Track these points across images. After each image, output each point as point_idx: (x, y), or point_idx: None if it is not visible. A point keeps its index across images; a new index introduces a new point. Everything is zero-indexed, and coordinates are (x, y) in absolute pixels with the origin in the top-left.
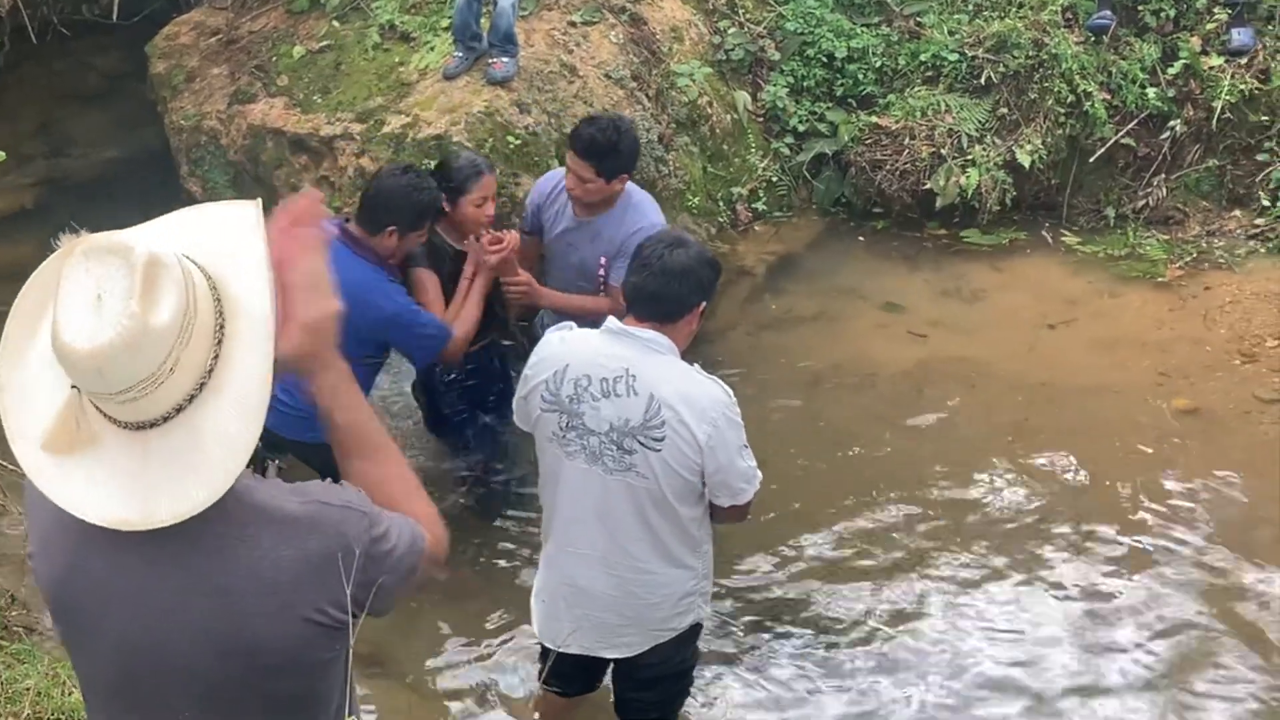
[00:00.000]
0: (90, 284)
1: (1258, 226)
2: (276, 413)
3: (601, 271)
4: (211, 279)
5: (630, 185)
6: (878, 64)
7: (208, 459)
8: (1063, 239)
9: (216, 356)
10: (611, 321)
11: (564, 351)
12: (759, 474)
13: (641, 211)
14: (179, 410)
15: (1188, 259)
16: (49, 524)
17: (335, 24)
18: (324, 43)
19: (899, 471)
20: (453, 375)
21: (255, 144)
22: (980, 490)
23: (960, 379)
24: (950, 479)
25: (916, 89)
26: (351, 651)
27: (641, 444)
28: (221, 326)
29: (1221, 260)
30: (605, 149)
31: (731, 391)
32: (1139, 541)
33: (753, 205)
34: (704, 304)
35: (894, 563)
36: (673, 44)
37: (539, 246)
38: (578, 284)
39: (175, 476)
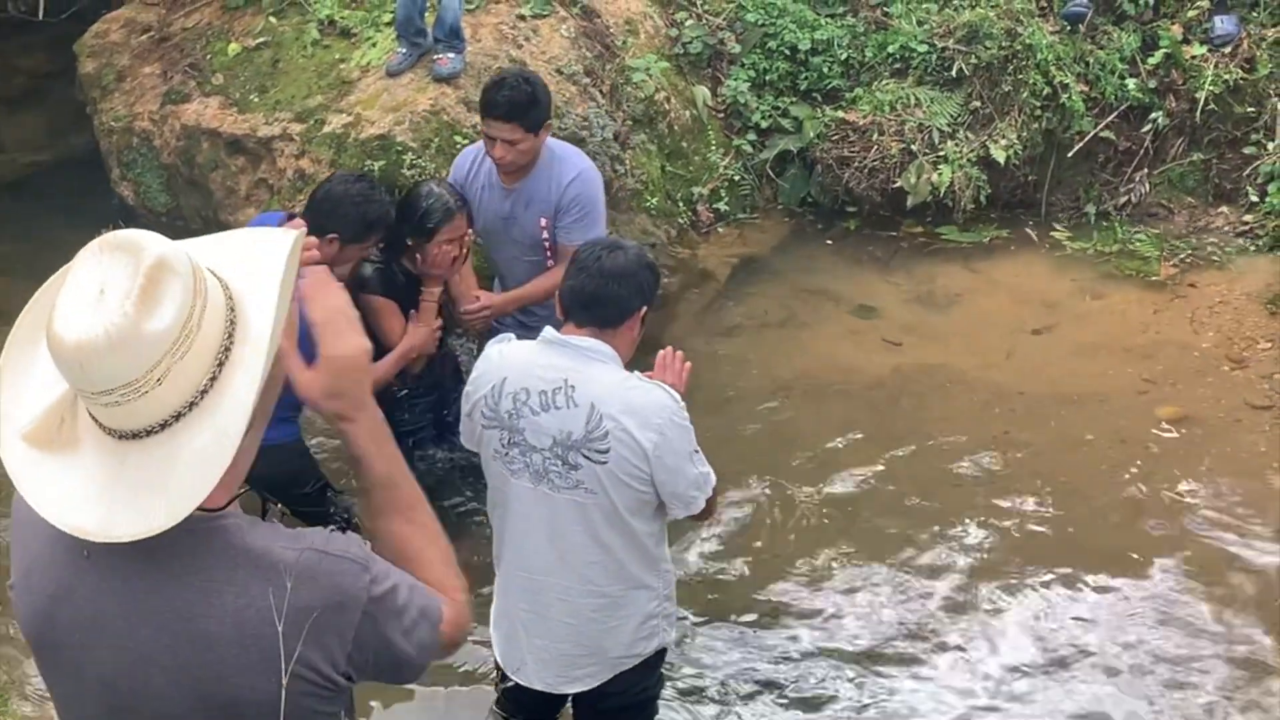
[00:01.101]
0: (97, 277)
1: (1246, 223)
2: None
3: (545, 235)
4: (232, 299)
5: (549, 139)
6: (843, 56)
7: (178, 482)
8: (1052, 235)
9: (214, 378)
10: (549, 331)
11: (501, 365)
12: (712, 478)
13: (568, 161)
14: (164, 426)
15: (1181, 255)
16: (38, 549)
17: (272, 19)
18: (260, 39)
19: (873, 489)
20: (405, 390)
21: (190, 145)
22: (960, 508)
23: (937, 389)
24: (928, 496)
25: (884, 82)
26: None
27: (586, 457)
28: (228, 349)
29: (1214, 258)
30: (526, 103)
31: (678, 396)
32: (1126, 559)
33: (714, 206)
34: (645, 309)
35: (869, 585)
36: (627, 37)
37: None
38: (525, 258)
39: (142, 494)
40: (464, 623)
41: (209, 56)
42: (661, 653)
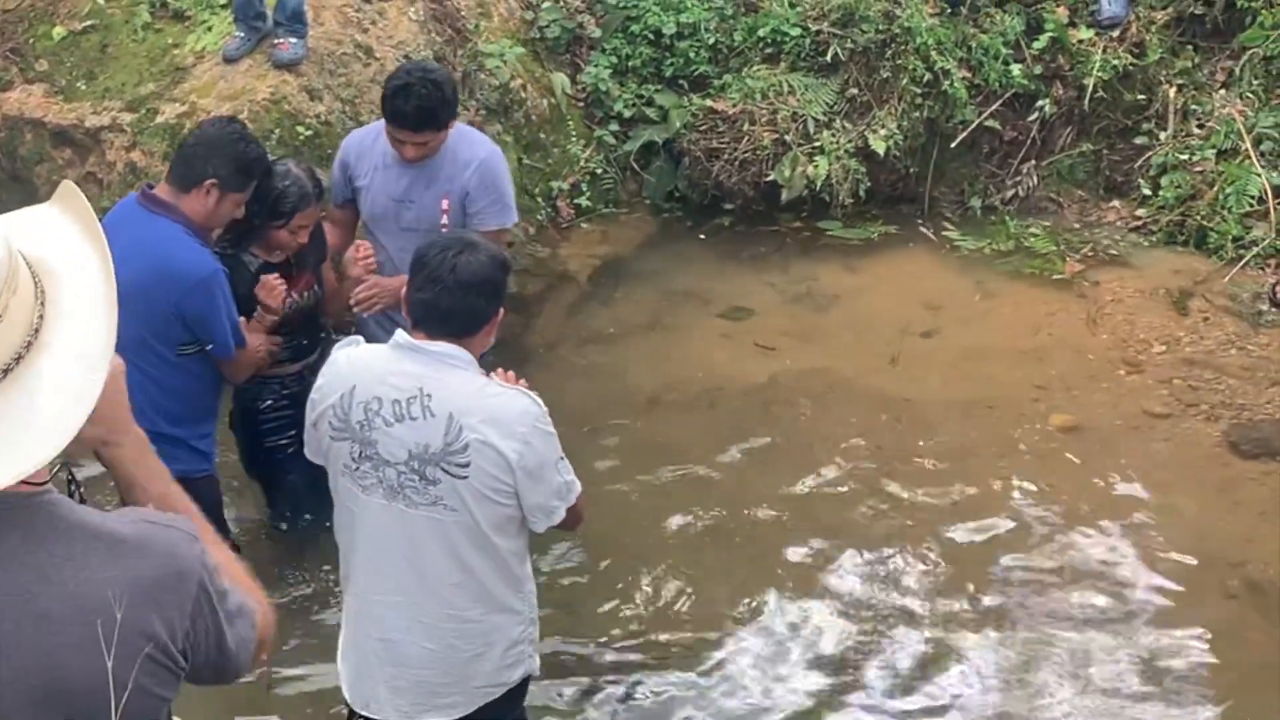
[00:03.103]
0: None
1: (1139, 218)
2: None
3: (445, 219)
4: (24, 256)
5: None
6: (711, 41)
7: (44, 414)
8: (945, 233)
9: (41, 317)
10: (400, 335)
11: (349, 372)
12: (577, 486)
13: (472, 140)
14: (5, 372)
15: (1081, 251)
16: None
17: (100, 1)
18: (88, 22)
19: (747, 503)
20: (269, 401)
21: (11, 137)
22: (840, 524)
23: (814, 396)
24: (806, 512)
25: (755, 68)
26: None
27: (446, 471)
28: (42, 290)
29: (1107, 256)
30: (436, 109)
31: (541, 401)
32: (1020, 579)
33: (575, 201)
34: (502, 310)
35: (740, 606)
36: (480, 21)
37: (356, 217)
38: (418, 241)
39: (9, 437)
40: (273, 628)
41: (31, 40)
42: (525, 681)
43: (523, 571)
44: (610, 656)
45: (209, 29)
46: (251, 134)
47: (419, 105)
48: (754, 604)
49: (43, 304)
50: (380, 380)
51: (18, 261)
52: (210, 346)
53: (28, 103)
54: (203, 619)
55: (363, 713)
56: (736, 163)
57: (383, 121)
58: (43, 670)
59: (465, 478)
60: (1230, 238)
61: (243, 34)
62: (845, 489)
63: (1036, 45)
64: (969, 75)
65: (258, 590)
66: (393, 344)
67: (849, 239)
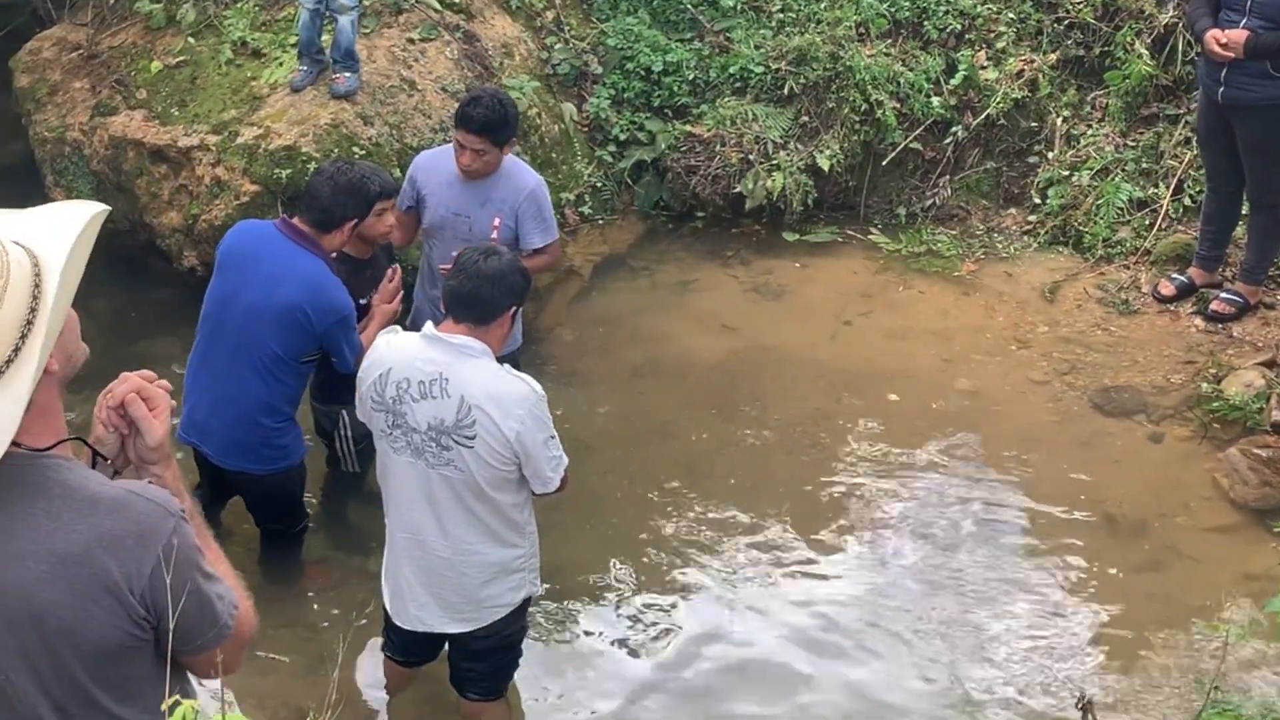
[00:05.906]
0: None
1: (1030, 223)
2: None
3: (495, 234)
4: (39, 271)
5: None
6: (691, 77)
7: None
8: (870, 236)
9: (17, 350)
10: (428, 327)
11: (388, 356)
12: (564, 460)
13: (524, 171)
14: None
15: (978, 253)
16: None
17: (190, 40)
18: (180, 58)
19: (717, 454)
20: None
21: (117, 154)
22: (789, 472)
23: (769, 367)
24: (762, 460)
25: (726, 99)
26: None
27: (456, 441)
28: (31, 321)
29: (1005, 255)
30: (498, 122)
31: (540, 388)
32: (926, 515)
33: (580, 209)
34: (516, 308)
35: (715, 541)
36: (504, 59)
37: (418, 222)
38: None
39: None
40: (254, 622)
41: (133, 73)
42: (527, 600)
43: (521, 518)
44: (600, 588)
45: (280, 65)
46: (372, 169)
47: (483, 114)
48: (710, 529)
49: (23, 336)
50: (410, 364)
51: (20, 268)
52: (335, 360)
53: (130, 126)
54: (162, 581)
55: (399, 623)
56: (710, 177)
57: (450, 146)
58: (15, 598)
59: (471, 447)
60: (1101, 239)
61: (305, 67)
62: (788, 439)
63: (953, 82)
64: (898, 105)
65: (241, 589)
66: (422, 334)
67: (794, 241)
